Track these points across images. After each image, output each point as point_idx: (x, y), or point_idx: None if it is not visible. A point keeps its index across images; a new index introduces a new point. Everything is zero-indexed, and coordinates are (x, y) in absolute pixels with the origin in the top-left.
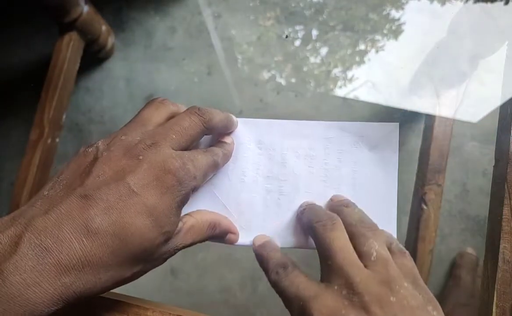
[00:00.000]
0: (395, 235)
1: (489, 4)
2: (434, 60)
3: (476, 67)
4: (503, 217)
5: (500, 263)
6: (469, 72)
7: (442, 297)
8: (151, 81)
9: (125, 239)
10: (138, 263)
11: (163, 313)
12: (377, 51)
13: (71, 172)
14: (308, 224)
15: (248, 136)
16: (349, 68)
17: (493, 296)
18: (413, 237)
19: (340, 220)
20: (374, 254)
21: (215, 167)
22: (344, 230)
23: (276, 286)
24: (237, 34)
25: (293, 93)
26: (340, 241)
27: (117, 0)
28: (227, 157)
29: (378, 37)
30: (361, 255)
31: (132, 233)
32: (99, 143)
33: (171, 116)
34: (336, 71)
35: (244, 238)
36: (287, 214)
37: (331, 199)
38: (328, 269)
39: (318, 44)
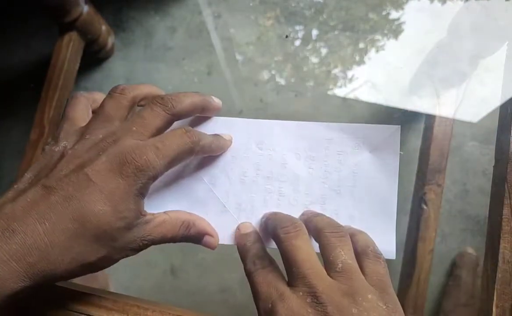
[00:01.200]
0: (393, 236)
1: (489, 4)
2: (434, 60)
3: (476, 67)
4: (503, 217)
5: (500, 263)
6: (469, 72)
7: (442, 297)
8: (151, 81)
9: (83, 223)
10: (101, 247)
11: (163, 313)
12: (377, 51)
13: (39, 168)
14: (272, 231)
15: (249, 136)
16: (349, 68)
17: (493, 296)
18: (413, 237)
19: (304, 227)
20: (340, 265)
21: (190, 152)
22: (308, 237)
23: (249, 277)
24: (237, 34)
25: (293, 93)
26: (303, 249)
27: (117, 0)
28: (216, 149)
29: (378, 37)
30: (327, 263)
31: (90, 217)
32: (66, 143)
33: (134, 103)
34: (336, 71)
35: None
36: None
37: (302, 214)
38: (293, 276)
39: (318, 44)
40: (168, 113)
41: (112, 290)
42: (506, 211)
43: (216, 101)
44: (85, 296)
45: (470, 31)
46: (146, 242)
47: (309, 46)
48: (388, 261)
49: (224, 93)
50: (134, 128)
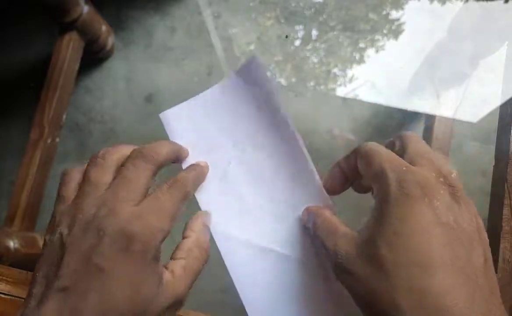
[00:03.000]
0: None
1: (489, 4)
2: (434, 60)
3: (476, 67)
4: (503, 217)
5: (500, 263)
6: (469, 72)
7: None
8: (151, 81)
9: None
10: None
11: None
12: (377, 51)
13: (47, 266)
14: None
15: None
16: (349, 68)
17: None
18: None
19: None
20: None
21: (185, 199)
22: None
23: (363, 147)
24: (237, 34)
25: (293, 93)
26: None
27: (117, 0)
28: (199, 180)
29: (378, 37)
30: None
31: (113, 309)
32: (61, 229)
33: (118, 165)
34: (336, 71)
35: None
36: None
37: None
38: (411, 157)
39: (318, 44)
40: (152, 166)
41: None
42: (506, 211)
43: (185, 150)
44: None
45: (470, 31)
46: (177, 305)
47: (309, 46)
48: None
49: None
50: (124, 194)
